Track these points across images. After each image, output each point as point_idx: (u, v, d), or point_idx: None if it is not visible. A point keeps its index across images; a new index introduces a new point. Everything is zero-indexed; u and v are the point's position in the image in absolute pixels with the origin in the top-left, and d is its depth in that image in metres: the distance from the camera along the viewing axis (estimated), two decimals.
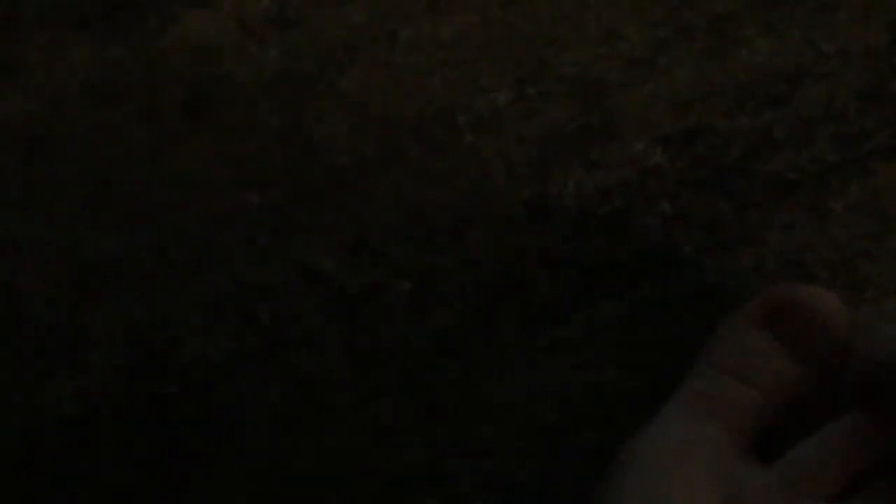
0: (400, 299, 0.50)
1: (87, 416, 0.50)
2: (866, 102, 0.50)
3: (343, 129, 0.51)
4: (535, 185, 0.50)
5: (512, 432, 0.48)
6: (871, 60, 0.50)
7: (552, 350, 0.49)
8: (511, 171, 0.51)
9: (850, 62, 0.50)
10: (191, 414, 0.50)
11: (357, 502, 0.48)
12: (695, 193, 0.50)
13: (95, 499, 0.49)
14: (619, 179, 0.50)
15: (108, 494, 0.49)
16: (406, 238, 0.50)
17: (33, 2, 0.53)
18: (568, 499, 0.46)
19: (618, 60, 0.51)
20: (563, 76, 0.51)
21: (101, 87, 0.53)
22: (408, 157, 0.51)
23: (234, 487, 0.49)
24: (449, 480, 0.48)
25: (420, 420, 0.49)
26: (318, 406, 0.50)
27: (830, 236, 0.49)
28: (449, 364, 0.49)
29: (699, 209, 0.50)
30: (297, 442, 0.49)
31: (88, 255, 0.52)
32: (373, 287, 0.50)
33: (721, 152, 0.50)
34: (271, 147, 0.52)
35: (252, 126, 0.52)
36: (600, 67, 0.51)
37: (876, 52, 0.50)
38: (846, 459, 0.38)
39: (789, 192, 0.49)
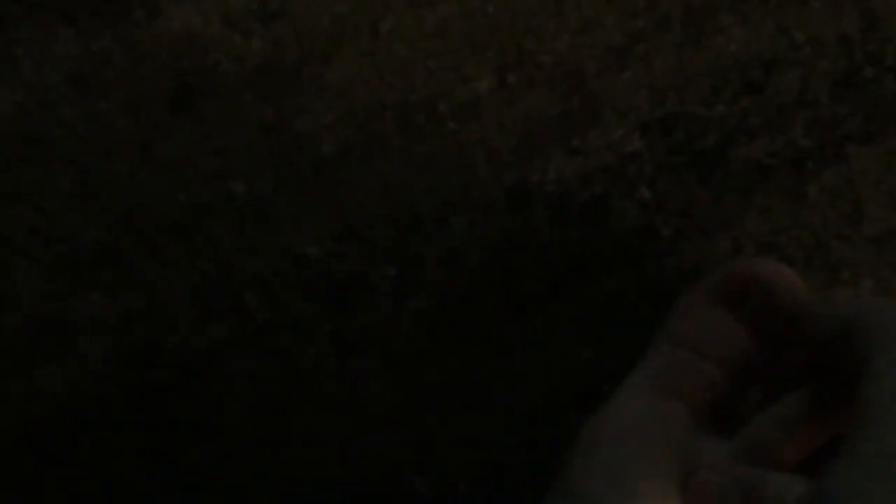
0: (385, 285, 0.50)
1: (77, 403, 0.50)
2: (839, 89, 0.50)
3: (327, 119, 0.51)
4: (517, 171, 0.50)
5: (497, 414, 0.48)
6: (844, 48, 0.50)
7: (535, 333, 0.49)
8: (493, 158, 0.50)
9: (824, 50, 0.50)
10: (180, 400, 0.50)
11: (346, 485, 0.48)
12: (673, 179, 0.50)
13: (87, 483, 0.49)
14: (598, 165, 0.50)
15: (99, 479, 0.49)
16: (391, 225, 0.50)
17: None
18: (553, 478, 0.46)
19: (597, 49, 0.51)
20: (543, 65, 0.51)
21: (88, 79, 0.52)
22: (391, 146, 0.51)
23: (224, 472, 0.49)
24: (437, 462, 0.48)
25: (407, 403, 0.49)
26: (306, 391, 0.49)
27: (806, 220, 0.49)
28: (434, 348, 0.49)
29: (677, 194, 0.50)
30: (285, 426, 0.49)
31: (77, 244, 0.51)
32: (358, 274, 0.50)
33: (698, 139, 0.50)
34: (256, 137, 0.51)
35: (237, 117, 0.51)
36: (579, 56, 0.51)
37: (849, 40, 0.50)
38: (803, 432, 0.38)
39: (765, 178, 0.49)
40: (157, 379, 0.50)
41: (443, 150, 0.50)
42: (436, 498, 0.48)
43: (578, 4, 0.51)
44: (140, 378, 0.50)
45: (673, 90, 0.50)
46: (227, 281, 0.50)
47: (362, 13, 0.52)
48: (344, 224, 0.50)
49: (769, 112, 0.50)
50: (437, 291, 0.49)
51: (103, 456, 0.49)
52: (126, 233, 0.51)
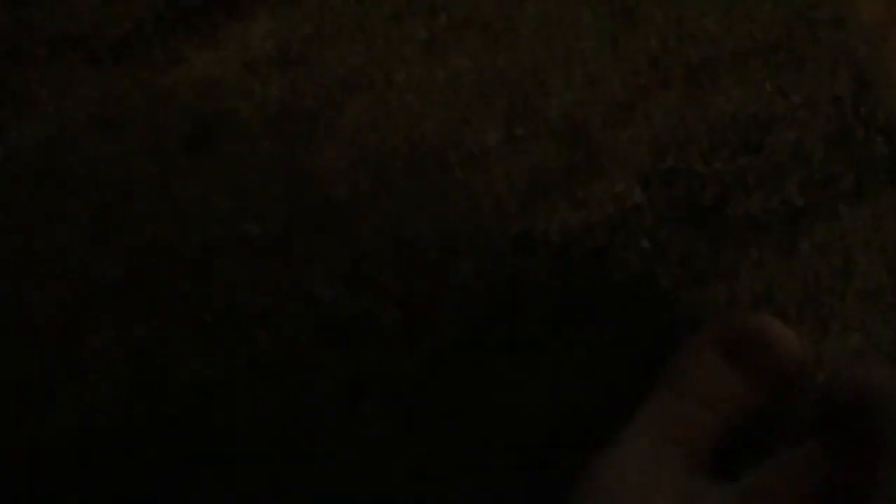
0: (392, 326, 0.51)
1: (86, 436, 0.50)
2: (832, 149, 0.51)
3: (340, 164, 0.52)
4: (522, 220, 0.51)
5: (497, 454, 0.49)
6: (838, 109, 0.52)
7: (537, 375, 0.50)
8: (499, 206, 0.52)
9: (818, 110, 0.52)
10: (188, 434, 0.50)
11: None
12: (672, 231, 0.51)
13: None
14: (601, 217, 0.51)
15: None
16: (398, 267, 0.51)
17: (45, 38, 0.54)
18: None
19: (601, 105, 0.52)
20: (550, 118, 0.52)
21: (109, 119, 0.53)
22: (401, 192, 0.52)
23: None
24: (437, 501, 0.49)
25: (410, 442, 0.50)
26: (313, 428, 0.50)
27: (798, 274, 0.50)
28: (439, 387, 0.50)
29: (676, 246, 0.51)
30: (291, 463, 0.50)
31: (92, 279, 0.52)
32: (367, 314, 0.51)
33: (697, 194, 0.51)
34: (271, 180, 0.52)
35: (253, 160, 0.52)
36: (585, 111, 0.52)
37: (842, 102, 0.52)
38: (803, 483, 0.39)
39: (760, 233, 0.51)
40: (168, 413, 0.51)
41: (451, 197, 0.52)
42: None
43: (584, 61, 0.52)
44: (151, 412, 0.50)
45: (673, 146, 0.51)
46: (239, 319, 0.51)
47: (376, 64, 0.53)
48: (353, 265, 0.51)
49: (765, 170, 0.51)
50: (443, 333, 0.50)
51: (113, 489, 0.50)
52: (140, 269, 0.52)
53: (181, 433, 0.50)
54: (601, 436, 0.44)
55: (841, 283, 0.49)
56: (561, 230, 0.51)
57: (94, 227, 0.52)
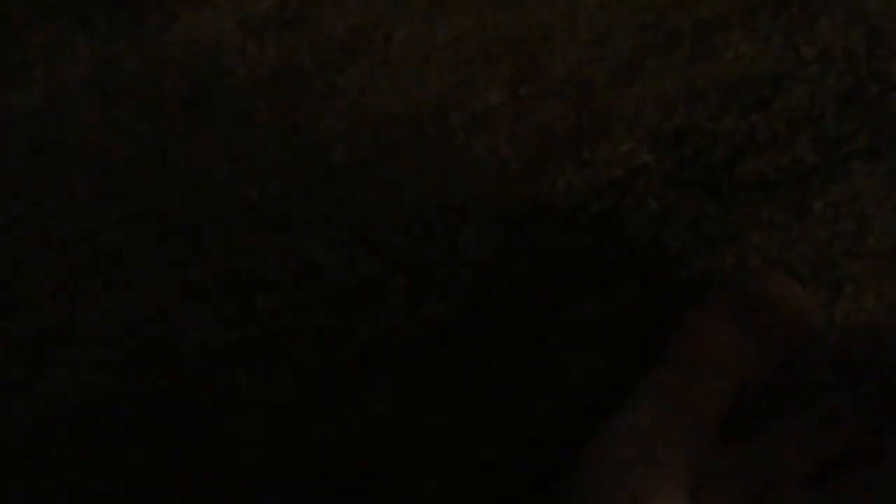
0: (395, 292, 0.50)
1: (86, 407, 0.50)
2: (846, 106, 0.50)
3: (340, 127, 0.51)
4: (528, 182, 0.50)
5: (505, 422, 0.48)
6: (851, 65, 0.50)
7: (543, 342, 0.49)
8: (503, 168, 0.50)
9: (831, 66, 0.50)
10: (189, 404, 0.50)
11: (354, 491, 0.48)
12: (681, 192, 0.50)
13: (96, 489, 0.49)
14: (608, 178, 0.50)
15: (109, 484, 0.49)
16: (401, 233, 0.50)
17: (34, 1, 0.53)
18: (560, 484, 0.46)
19: (607, 62, 0.51)
20: (555, 77, 0.51)
21: (104, 84, 0.52)
22: (403, 155, 0.51)
23: (232, 476, 0.49)
24: (445, 469, 0.48)
25: (415, 410, 0.49)
26: (315, 396, 0.49)
27: (811, 235, 0.49)
28: (443, 355, 0.49)
29: (685, 207, 0.50)
30: (294, 431, 0.49)
31: (90, 246, 0.51)
32: (369, 280, 0.50)
33: (706, 153, 0.50)
34: (270, 143, 0.51)
35: (251, 123, 0.51)
36: (590, 69, 0.51)
37: (855, 57, 0.50)
38: (815, 447, 0.38)
39: (772, 192, 0.49)
40: (166, 382, 0.50)
41: (454, 160, 0.50)
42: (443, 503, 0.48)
43: (590, 18, 0.51)
44: (149, 381, 0.50)
45: (682, 104, 0.50)
46: (239, 286, 0.50)
47: (376, 23, 0.52)
48: (355, 231, 0.50)
49: (777, 127, 0.50)
50: (447, 300, 0.49)
51: (111, 458, 0.49)
52: (138, 236, 0.51)
53: (181, 403, 0.49)
54: (609, 404, 0.44)
55: (855, 243, 0.48)
56: (567, 192, 0.49)
57: (90, 193, 0.51)
